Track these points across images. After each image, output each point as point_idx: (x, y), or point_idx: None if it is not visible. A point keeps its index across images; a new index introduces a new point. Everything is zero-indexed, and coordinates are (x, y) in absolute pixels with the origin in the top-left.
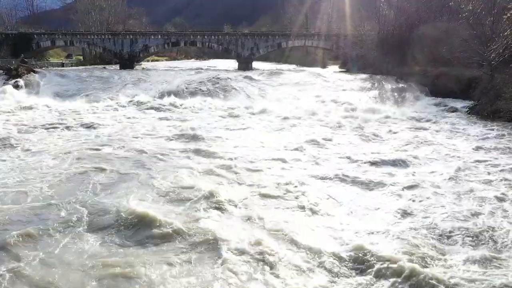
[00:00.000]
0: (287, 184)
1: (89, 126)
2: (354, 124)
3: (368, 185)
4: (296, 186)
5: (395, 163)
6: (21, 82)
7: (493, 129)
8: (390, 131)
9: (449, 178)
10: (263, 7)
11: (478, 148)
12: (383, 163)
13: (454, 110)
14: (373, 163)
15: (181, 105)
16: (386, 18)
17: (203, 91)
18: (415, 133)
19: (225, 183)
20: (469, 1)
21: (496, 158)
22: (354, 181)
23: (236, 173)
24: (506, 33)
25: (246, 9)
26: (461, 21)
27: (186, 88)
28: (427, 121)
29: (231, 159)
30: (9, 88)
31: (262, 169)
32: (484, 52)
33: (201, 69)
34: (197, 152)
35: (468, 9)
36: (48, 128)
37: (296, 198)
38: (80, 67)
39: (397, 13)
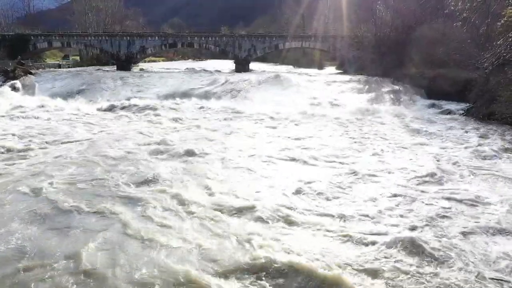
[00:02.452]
0: None
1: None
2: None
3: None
4: None
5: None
6: (18, 84)
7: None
8: (385, 133)
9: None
10: (261, 7)
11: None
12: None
13: (450, 112)
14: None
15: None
16: (383, 20)
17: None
18: (409, 136)
19: None
20: (463, 10)
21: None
22: None
23: None
24: (499, 42)
25: (244, 9)
26: (457, 24)
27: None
28: (423, 123)
29: None
30: (6, 90)
31: None
32: (479, 57)
33: (195, 69)
34: None
35: (463, 17)
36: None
37: None
38: (77, 68)
39: (393, 15)
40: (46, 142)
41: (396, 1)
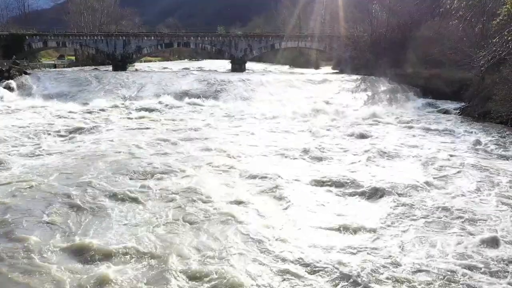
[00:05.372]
0: None
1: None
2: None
3: None
4: None
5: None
6: (13, 84)
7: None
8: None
9: None
10: (257, 7)
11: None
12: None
13: (446, 111)
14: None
15: None
16: (379, 20)
17: None
18: (405, 135)
19: None
20: (459, 8)
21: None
22: None
23: None
24: (495, 40)
25: (239, 9)
26: (452, 23)
27: None
28: (419, 122)
29: None
30: (1, 90)
31: None
32: (474, 55)
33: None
34: None
35: (458, 15)
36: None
37: None
38: (73, 68)
39: (389, 15)
40: None
41: (392, 1)
